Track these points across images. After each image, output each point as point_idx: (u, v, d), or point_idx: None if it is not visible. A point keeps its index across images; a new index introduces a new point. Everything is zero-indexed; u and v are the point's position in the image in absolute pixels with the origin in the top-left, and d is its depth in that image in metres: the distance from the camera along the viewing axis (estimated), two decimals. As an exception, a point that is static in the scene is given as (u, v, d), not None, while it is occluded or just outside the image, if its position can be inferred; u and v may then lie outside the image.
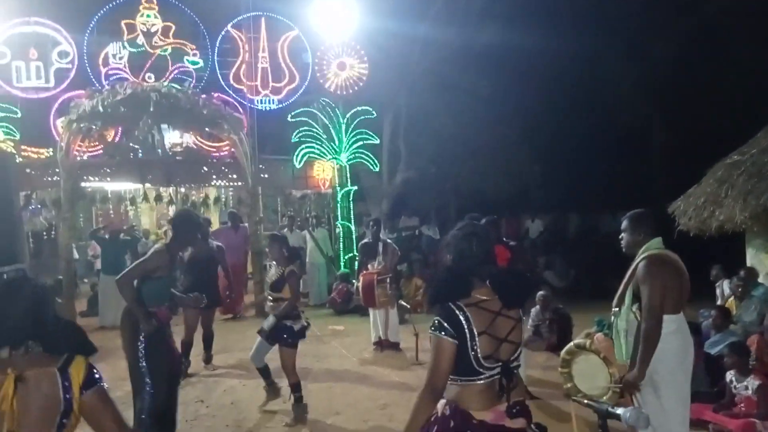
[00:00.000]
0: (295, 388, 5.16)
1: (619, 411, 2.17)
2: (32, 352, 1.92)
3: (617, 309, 3.31)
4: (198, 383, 6.33)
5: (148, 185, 11.49)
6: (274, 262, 5.43)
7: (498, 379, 2.25)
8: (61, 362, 1.91)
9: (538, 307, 7.42)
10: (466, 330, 2.22)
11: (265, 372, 5.49)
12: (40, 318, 1.96)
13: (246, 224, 10.71)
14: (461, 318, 2.23)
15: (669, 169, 13.89)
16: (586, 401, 2.37)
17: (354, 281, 10.35)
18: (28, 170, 10.18)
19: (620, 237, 3.51)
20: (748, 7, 12.74)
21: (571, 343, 3.68)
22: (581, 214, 15.95)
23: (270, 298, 5.28)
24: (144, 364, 4.09)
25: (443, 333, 2.23)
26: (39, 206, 11.40)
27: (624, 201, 12.92)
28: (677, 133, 14.57)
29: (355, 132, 11.44)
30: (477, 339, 2.22)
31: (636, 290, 3.22)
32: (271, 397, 5.52)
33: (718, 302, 7.28)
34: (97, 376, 1.97)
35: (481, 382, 2.25)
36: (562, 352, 3.68)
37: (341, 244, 11.61)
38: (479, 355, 2.22)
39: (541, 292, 7.44)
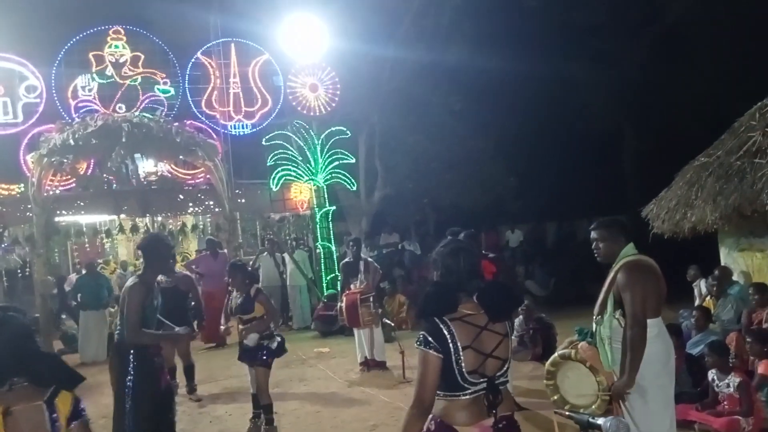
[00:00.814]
0: (267, 410, 5.21)
1: (600, 421, 2.19)
2: (18, 387, 1.96)
3: (599, 317, 3.32)
4: (183, 415, 6.20)
5: (123, 216, 11.36)
6: (235, 291, 5.41)
7: (484, 394, 2.25)
8: (48, 395, 1.98)
9: (521, 317, 7.47)
10: (451, 344, 2.22)
11: (255, 400, 5.45)
12: (24, 354, 2.01)
13: (225, 250, 10.63)
14: (445, 332, 2.24)
15: (640, 173, 14.21)
16: (567, 413, 2.38)
17: (331, 302, 10.29)
18: (0, 207, 10.01)
19: (594, 247, 3.52)
20: (709, 15, 13.20)
21: (556, 354, 3.69)
22: (558, 222, 16.18)
23: (241, 322, 5.28)
24: (130, 403, 4.02)
25: (428, 347, 2.25)
26: (11, 244, 11.17)
27: (599, 207, 13.13)
28: (647, 139, 14.94)
29: (330, 152, 11.47)
30: (461, 353, 2.22)
31: (617, 297, 3.24)
32: (252, 428, 5.46)
33: (697, 302, 7.40)
34: (82, 408, 2.06)
35: (467, 397, 2.25)
36: (547, 364, 3.70)
37: (322, 265, 11.56)
38: (464, 370, 2.22)
39: (523, 303, 7.49)
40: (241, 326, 5.31)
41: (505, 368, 2.35)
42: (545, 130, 15.21)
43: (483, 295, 2.36)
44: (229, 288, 5.76)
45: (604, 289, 3.36)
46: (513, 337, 7.20)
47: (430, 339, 2.26)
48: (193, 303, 10.51)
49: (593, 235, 3.49)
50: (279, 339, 5.31)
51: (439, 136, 14.12)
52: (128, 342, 4.12)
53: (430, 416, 2.30)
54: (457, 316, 2.28)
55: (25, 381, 1.98)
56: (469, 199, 14.56)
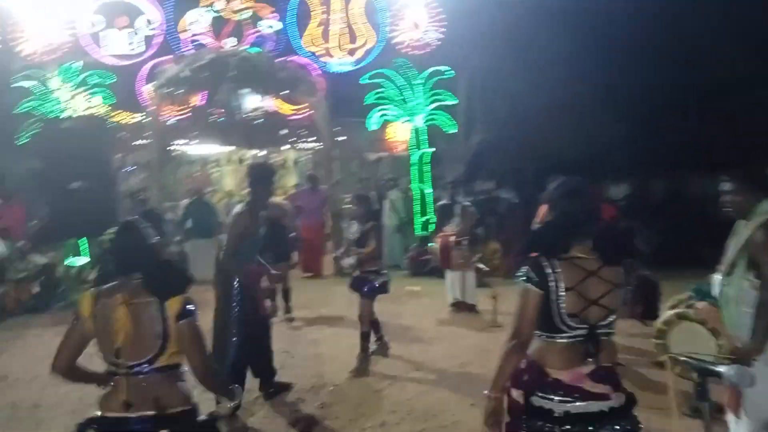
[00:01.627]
0: (364, 336, 5.58)
1: (721, 368, 2.02)
2: (137, 283, 2.25)
3: (727, 276, 3.04)
4: (283, 335, 6.61)
5: (229, 148, 11.92)
6: (355, 221, 5.59)
7: (583, 342, 2.18)
8: (161, 294, 2.23)
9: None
10: (552, 283, 2.18)
11: (375, 326, 5.79)
12: (140, 257, 2.29)
13: (324, 186, 10.93)
14: (548, 269, 2.19)
15: (760, 124, 12.77)
16: (683, 357, 2.22)
17: (431, 244, 10.38)
18: (121, 134, 10.78)
19: (725, 198, 3.14)
20: None
21: (671, 313, 3.48)
22: (668, 177, 15.07)
23: (355, 254, 5.59)
24: (236, 311, 4.22)
25: (528, 282, 2.21)
26: (134, 167, 12.07)
27: (718, 161, 12.07)
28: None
29: (430, 93, 11.26)
30: (563, 294, 2.17)
31: (753, 257, 2.93)
32: (380, 351, 5.79)
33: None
34: (191, 308, 2.25)
35: (563, 340, 2.19)
36: (658, 323, 3.51)
37: (416, 207, 11.60)
38: (563, 311, 2.17)
39: (639, 251, 7.13)
40: (353, 257, 5.64)
41: (610, 318, 2.24)
42: (660, 72, 14.00)
43: (599, 237, 2.25)
44: (344, 224, 6.00)
45: (735, 246, 3.03)
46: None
47: (531, 274, 2.22)
48: (293, 234, 11.01)
49: (726, 185, 3.12)
50: (384, 278, 5.59)
51: (543, 81, 13.44)
52: (224, 267, 4.30)
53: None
54: (566, 256, 2.22)
55: (142, 279, 2.26)
56: (572, 149, 13.88)
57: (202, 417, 2.32)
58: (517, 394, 2.25)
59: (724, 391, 2.92)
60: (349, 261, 5.57)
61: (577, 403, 2.13)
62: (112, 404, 2.24)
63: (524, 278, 2.23)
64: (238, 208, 4.53)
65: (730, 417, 3.01)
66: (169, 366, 2.25)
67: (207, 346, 2.34)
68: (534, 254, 2.26)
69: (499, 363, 2.26)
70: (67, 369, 2.37)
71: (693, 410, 4.10)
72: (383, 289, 5.57)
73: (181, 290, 2.27)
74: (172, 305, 2.22)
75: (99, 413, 2.29)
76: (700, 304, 3.23)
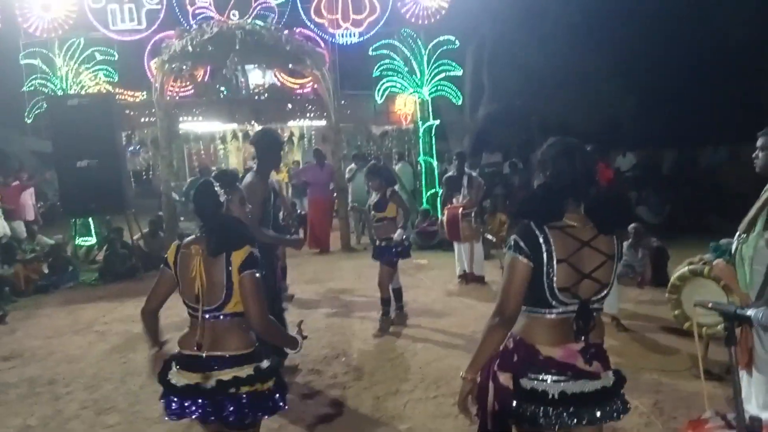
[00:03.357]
0: (385, 302, 5.74)
1: (750, 312, 1.94)
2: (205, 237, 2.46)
3: (744, 235, 2.99)
4: (293, 309, 6.66)
5: (235, 124, 11.86)
6: (373, 191, 5.76)
7: (574, 317, 2.02)
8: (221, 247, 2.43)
9: (630, 240, 7.12)
10: (545, 253, 1.99)
11: (397, 294, 5.96)
12: (208, 211, 2.51)
13: (330, 161, 10.89)
14: (540, 239, 2.00)
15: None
16: (710, 304, 2.13)
17: (435, 217, 10.37)
18: (127, 111, 10.74)
19: (754, 156, 3.09)
20: None
21: (685, 269, 3.47)
22: (678, 148, 14.93)
23: (375, 218, 5.70)
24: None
25: (518, 252, 2.01)
26: (138, 147, 12.06)
27: (729, 133, 11.94)
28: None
29: (437, 64, 11.12)
30: (555, 266, 1.98)
31: None
32: (398, 320, 5.90)
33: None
34: (253, 261, 2.44)
35: (552, 316, 2.02)
36: (673, 278, 3.49)
37: (423, 180, 11.56)
38: (554, 285, 1.99)
39: (632, 225, 7.11)
40: (374, 224, 5.76)
41: (603, 293, 2.07)
42: (671, 45, 13.73)
43: (593, 204, 2.07)
44: (368, 188, 6.09)
45: (756, 205, 2.96)
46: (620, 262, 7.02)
47: (521, 244, 2.02)
48: (299, 212, 10.99)
49: (759, 142, 3.06)
50: (407, 243, 5.77)
51: (553, 51, 13.26)
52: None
53: (510, 333, 2.09)
54: (558, 225, 2.02)
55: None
56: (581, 120, 13.76)
57: (264, 362, 2.49)
58: (504, 377, 2.06)
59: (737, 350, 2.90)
60: (399, 234, 5.58)
61: (571, 383, 2.00)
62: (188, 343, 2.47)
63: (513, 248, 2.03)
64: (248, 177, 4.40)
65: (743, 375, 3.00)
66: (236, 313, 2.45)
67: (265, 298, 2.47)
68: (525, 220, 2.07)
69: (482, 341, 2.06)
70: (155, 312, 2.62)
71: (704, 372, 4.14)
72: (406, 253, 5.75)
73: (241, 245, 2.44)
74: (237, 258, 2.40)
75: (178, 350, 2.53)
76: (716, 262, 3.19)
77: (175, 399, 2.44)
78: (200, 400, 2.39)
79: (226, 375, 2.38)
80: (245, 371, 2.40)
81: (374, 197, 5.71)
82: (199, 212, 2.53)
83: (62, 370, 5.17)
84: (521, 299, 2.03)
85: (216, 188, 2.53)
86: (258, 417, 2.48)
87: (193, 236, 2.54)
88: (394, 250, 5.61)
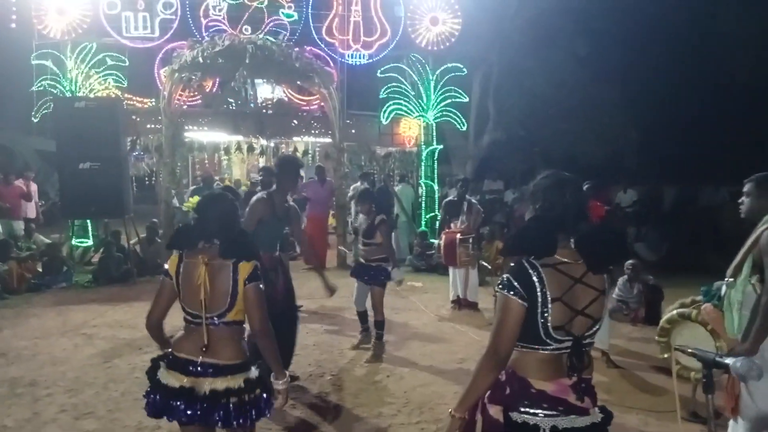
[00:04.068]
0: (380, 325, 5.63)
1: (728, 360, 1.92)
2: (216, 247, 2.58)
3: (732, 279, 3.00)
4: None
5: (240, 137, 11.92)
6: (362, 215, 5.68)
7: (566, 354, 1.99)
8: (235, 259, 2.56)
9: (626, 277, 7.10)
10: (539, 293, 1.94)
11: (364, 316, 5.89)
12: (226, 225, 2.62)
13: (331, 179, 10.92)
14: (534, 278, 1.96)
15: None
16: (690, 350, 2.11)
17: (432, 241, 10.36)
18: (133, 117, 10.82)
19: (740, 201, 3.15)
20: None
21: (674, 312, 3.46)
22: (679, 185, 14.97)
23: (363, 243, 5.74)
24: None
25: (512, 293, 1.96)
26: (142, 153, 12.11)
27: (730, 173, 11.94)
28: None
29: (443, 89, 11.22)
30: (549, 306, 1.94)
31: (758, 261, 2.91)
32: (364, 341, 5.84)
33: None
34: (258, 274, 2.58)
35: (546, 352, 1.99)
36: (662, 321, 3.49)
37: (423, 203, 11.57)
38: (549, 325, 1.95)
39: (630, 261, 7.10)
40: (361, 246, 5.84)
41: (595, 329, 2.04)
42: (677, 83, 13.85)
43: (585, 240, 2.02)
44: (357, 212, 6.00)
45: (743, 250, 2.99)
46: (614, 296, 7.00)
47: (515, 283, 1.96)
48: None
49: (744, 188, 3.14)
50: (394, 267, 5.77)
51: (559, 82, 13.37)
52: None
53: None
54: (551, 262, 1.98)
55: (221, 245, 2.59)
56: (584, 152, 13.82)
57: (253, 371, 2.58)
58: (495, 410, 2.02)
59: (722, 395, 2.88)
60: (398, 273, 5.66)
61: (562, 418, 1.96)
62: (184, 347, 2.56)
63: (506, 288, 1.98)
64: (259, 194, 4.51)
65: (730, 421, 2.97)
66: (234, 321, 2.57)
67: (265, 310, 2.60)
68: (518, 256, 2.04)
69: (473, 380, 2.01)
70: (159, 323, 2.70)
71: (692, 414, 4.09)
72: (389, 276, 5.69)
73: (250, 258, 2.58)
74: (244, 269, 2.54)
75: (171, 351, 2.59)
76: (704, 306, 3.19)
77: (159, 397, 2.51)
78: (191, 404, 2.46)
79: (220, 384, 2.49)
80: (237, 381, 2.51)
81: (363, 222, 5.73)
82: (217, 223, 2.60)
83: (45, 372, 5.12)
84: (515, 340, 1.98)
85: (231, 201, 2.67)
86: (243, 422, 2.54)
87: (199, 246, 2.61)
88: (383, 274, 5.60)
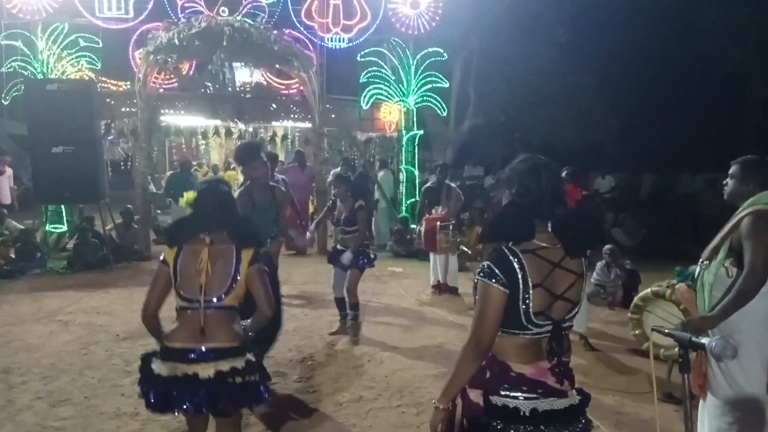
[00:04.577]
0: (355, 307, 5.67)
1: (704, 340, 1.93)
2: (219, 234, 2.66)
3: (707, 262, 3.04)
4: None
5: (218, 121, 11.75)
6: (339, 201, 5.62)
7: (546, 338, 2.00)
8: (237, 243, 2.65)
9: (603, 261, 7.19)
10: (520, 280, 1.93)
11: (341, 303, 5.84)
12: (224, 214, 2.70)
13: (311, 164, 10.83)
14: (515, 265, 1.94)
15: (765, 127, 12.85)
16: (666, 331, 2.13)
17: (413, 226, 10.37)
18: (108, 100, 10.57)
19: (724, 183, 3.16)
20: None
21: (648, 290, 3.51)
22: (658, 173, 15.18)
23: (343, 232, 5.70)
24: None
25: (493, 280, 1.94)
26: (116, 137, 11.87)
27: (707, 161, 12.16)
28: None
29: (424, 74, 11.17)
30: (531, 292, 1.93)
31: (735, 245, 2.93)
32: (342, 329, 5.81)
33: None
34: (260, 257, 2.69)
35: (527, 337, 2.00)
36: (636, 298, 3.53)
37: (404, 188, 11.56)
38: (530, 311, 1.95)
39: (608, 246, 7.18)
40: (342, 235, 5.78)
41: (573, 312, 2.04)
42: (657, 71, 14.00)
43: (562, 225, 2.01)
44: (333, 197, 5.90)
45: (720, 234, 3.01)
46: (591, 280, 7.08)
47: (496, 271, 1.94)
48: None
49: (731, 170, 3.14)
50: (373, 254, 5.78)
51: (539, 69, 13.40)
52: None
53: None
54: (530, 247, 1.97)
55: (224, 232, 2.67)
56: (564, 139, 13.92)
57: (249, 355, 2.62)
58: (474, 394, 2.03)
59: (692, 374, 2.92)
60: (347, 257, 5.53)
61: (541, 400, 1.97)
62: (180, 336, 2.57)
63: (487, 276, 1.95)
64: (238, 190, 4.37)
65: (700, 401, 3.03)
66: (231, 306, 2.63)
67: (269, 290, 2.69)
68: (496, 243, 2.02)
69: (456, 370, 2.00)
70: (155, 313, 2.68)
71: (666, 395, 4.17)
72: (372, 262, 5.70)
73: (259, 243, 2.72)
74: (247, 254, 2.63)
75: (164, 344, 2.59)
76: (678, 285, 3.23)
77: (160, 390, 2.51)
78: (196, 391, 2.47)
79: (224, 366, 2.51)
80: (239, 362, 2.55)
81: (342, 210, 5.66)
82: (218, 213, 2.68)
83: (19, 358, 5.03)
84: (497, 328, 1.97)
85: (227, 190, 2.75)
86: (248, 405, 2.67)
87: (201, 237, 2.66)
88: (364, 258, 5.61)
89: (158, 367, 2.55)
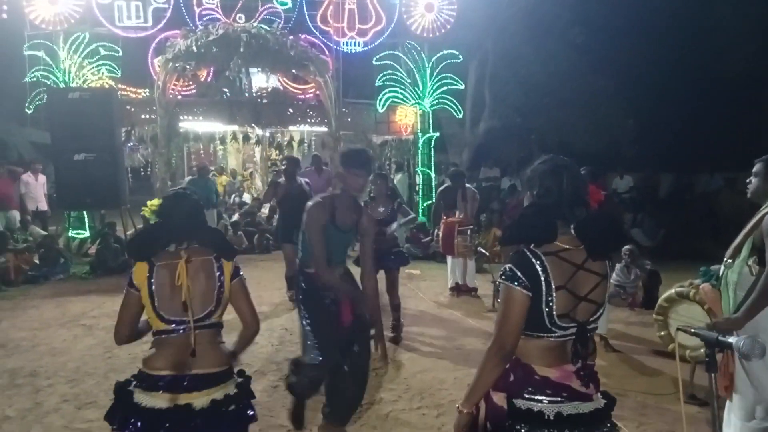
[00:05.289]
0: (396, 308, 5.81)
1: (731, 339, 1.90)
2: (193, 246, 2.39)
3: (730, 260, 3.01)
4: (284, 314, 6.64)
5: (235, 126, 11.89)
6: (375, 201, 5.68)
7: (571, 341, 1.97)
8: (215, 255, 2.41)
9: (623, 262, 7.13)
10: (543, 282, 1.91)
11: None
12: (197, 223, 2.44)
13: (328, 168, 10.89)
14: (538, 267, 1.92)
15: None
16: (693, 330, 2.11)
17: (430, 229, 10.36)
18: (128, 107, 10.75)
19: (748, 181, 3.14)
20: None
21: (672, 291, 3.47)
22: (675, 173, 15.01)
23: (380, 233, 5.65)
24: (305, 323, 3.45)
25: (516, 283, 1.91)
26: (136, 144, 12.05)
27: (725, 160, 12.01)
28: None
29: (439, 77, 11.19)
30: (554, 294, 1.91)
31: (757, 242, 2.90)
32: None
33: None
34: (239, 269, 2.45)
35: (551, 339, 1.97)
36: (660, 299, 3.50)
37: (420, 191, 11.58)
38: (554, 313, 1.92)
39: (627, 246, 7.12)
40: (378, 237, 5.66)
41: (598, 314, 2.02)
42: (673, 71, 13.84)
43: (584, 226, 1.99)
44: (371, 195, 5.74)
45: (743, 232, 2.99)
46: (611, 281, 7.02)
47: (518, 273, 1.92)
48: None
49: (755, 168, 3.11)
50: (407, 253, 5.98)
51: (555, 70, 13.34)
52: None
53: None
54: (553, 249, 1.94)
55: (197, 245, 2.41)
56: (581, 140, 13.81)
57: (236, 377, 2.45)
58: (498, 398, 2.00)
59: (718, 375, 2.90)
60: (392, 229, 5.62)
61: (566, 404, 1.93)
62: (164, 363, 2.31)
63: (509, 278, 1.93)
64: (315, 198, 3.49)
65: (726, 402, 3.00)
66: (219, 324, 2.42)
67: (252, 304, 2.49)
68: (519, 244, 1.99)
69: (479, 374, 1.97)
70: (131, 335, 2.46)
71: (690, 396, 4.13)
72: (407, 261, 5.91)
73: (235, 253, 2.48)
74: (228, 266, 2.39)
75: (144, 372, 2.33)
76: (702, 285, 3.20)
77: (144, 424, 2.23)
78: (189, 423, 2.24)
79: (218, 394, 2.31)
80: (231, 388, 2.36)
81: (381, 210, 5.57)
82: (187, 222, 2.40)
83: (45, 362, 5.12)
84: (520, 332, 1.95)
85: (198, 198, 2.48)
86: (241, 431, 2.42)
87: (168, 250, 2.38)
88: (403, 255, 5.86)
89: (141, 398, 2.27)
